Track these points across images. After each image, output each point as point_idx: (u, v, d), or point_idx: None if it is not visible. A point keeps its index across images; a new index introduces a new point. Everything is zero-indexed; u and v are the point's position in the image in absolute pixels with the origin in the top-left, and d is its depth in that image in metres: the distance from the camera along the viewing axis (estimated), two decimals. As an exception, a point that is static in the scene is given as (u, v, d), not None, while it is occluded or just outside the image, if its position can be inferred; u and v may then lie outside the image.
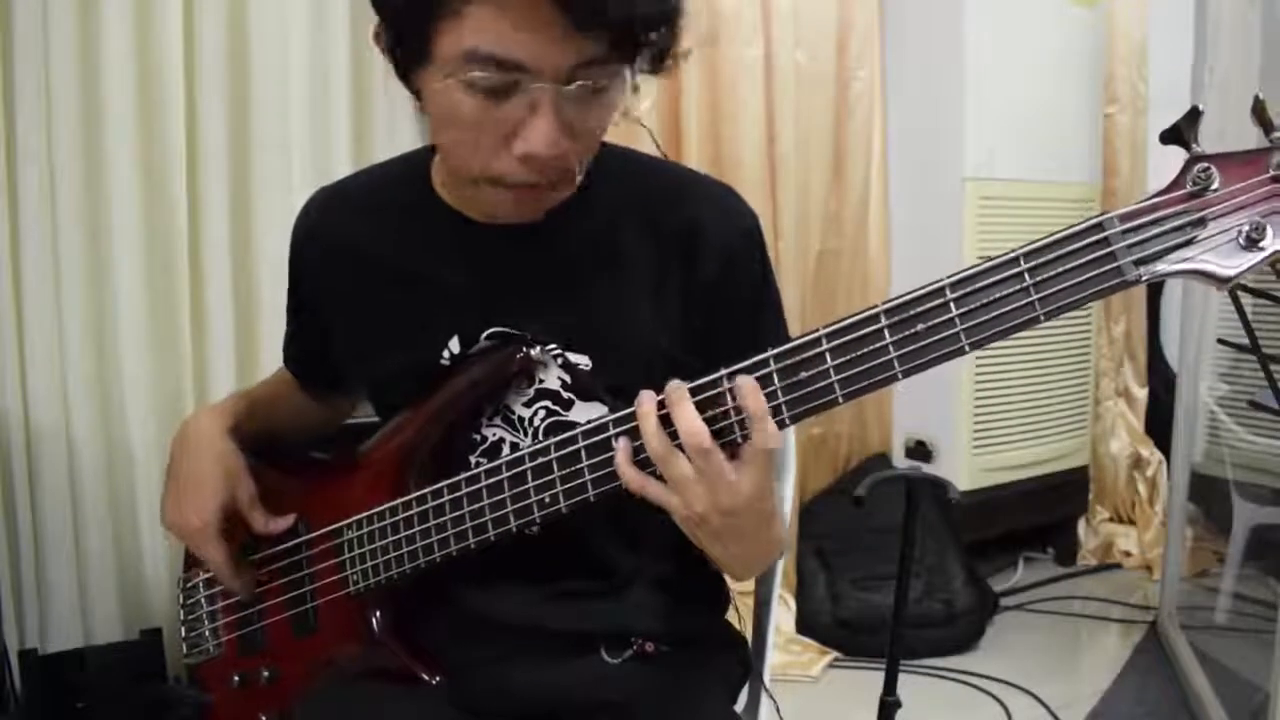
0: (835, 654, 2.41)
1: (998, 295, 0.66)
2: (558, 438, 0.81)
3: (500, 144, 0.78)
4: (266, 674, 1.01)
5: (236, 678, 1.03)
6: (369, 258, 0.96)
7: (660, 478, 0.76)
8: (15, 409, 1.75)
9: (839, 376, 0.70)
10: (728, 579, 1.05)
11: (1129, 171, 3.15)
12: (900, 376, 0.69)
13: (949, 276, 0.68)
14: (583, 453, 0.80)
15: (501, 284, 0.91)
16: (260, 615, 1.02)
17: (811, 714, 2.20)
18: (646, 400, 0.75)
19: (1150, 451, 3.17)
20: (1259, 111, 0.63)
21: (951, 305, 0.67)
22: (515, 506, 0.83)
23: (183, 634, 1.09)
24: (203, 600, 1.08)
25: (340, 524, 0.95)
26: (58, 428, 1.79)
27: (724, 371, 0.74)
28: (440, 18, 0.74)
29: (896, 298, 0.69)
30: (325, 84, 2.03)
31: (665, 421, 0.74)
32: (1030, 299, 0.66)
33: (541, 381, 0.90)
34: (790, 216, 2.64)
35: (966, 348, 0.67)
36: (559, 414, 0.90)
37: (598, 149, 0.86)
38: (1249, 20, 2.22)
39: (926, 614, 2.43)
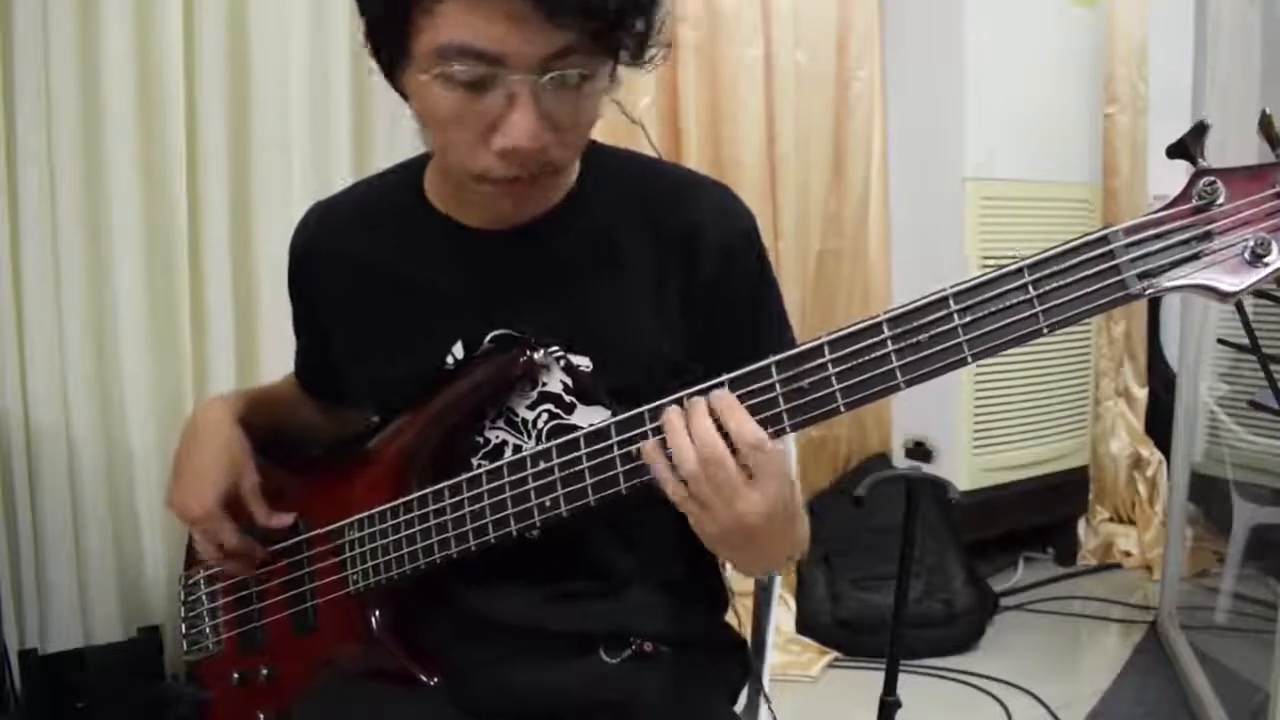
0: (835, 654, 2.41)
1: (1001, 306, 0.66)
2: (559, 440, 0.81)
3: (481, 139, 0.78)
4: (266, 672, 1.01)
5: (236, 675, 1.03)
6: (367, 268, 0.96)
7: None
8: (15, 409, 1.75)
9: (841, 385, 0.70)
10: (727, 579, 1.05)
11: (1129, 172, 3.15)
12: (903, 386, 0.69)
13: (952, 286, 0.68)
14: (584, 457, 0.79)
15: (500, 288, 0.91)
16: (260, 613, 1.03)
17: (811, 714, 2.20)
18: (674, 416, 0.74)
19: (1150, 451, 3.17)
20: (1266, 126, 0.63)
21: (955, 315, 0.67)
22: (515, 509, 0.84)
23: (183, 631, 1.10)
24: (203, 597, 1.08)
25: (341, 523, 0.95)
26: (58, 428, 1.79)
27: (726, 378, 0.74)
28: (415, 16, 0.74)
29: (899, 307, 0.69)
30: (325, 84, 2.03)
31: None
32: (1034, 310, 0.66)
33: (544, 384, 0.90)
34: (790, 217, 2.64)
35: (969, 358, 0.68)
36: (561, 417, 0.90)
37: (585, 144, 0.86)
38: (1249, 21, 2.22)
39: (926, 614, 2.43)
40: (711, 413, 0.72)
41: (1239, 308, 1.84)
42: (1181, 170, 0.66)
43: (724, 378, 0.74)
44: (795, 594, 2.52)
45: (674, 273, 0.89)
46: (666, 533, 0.98)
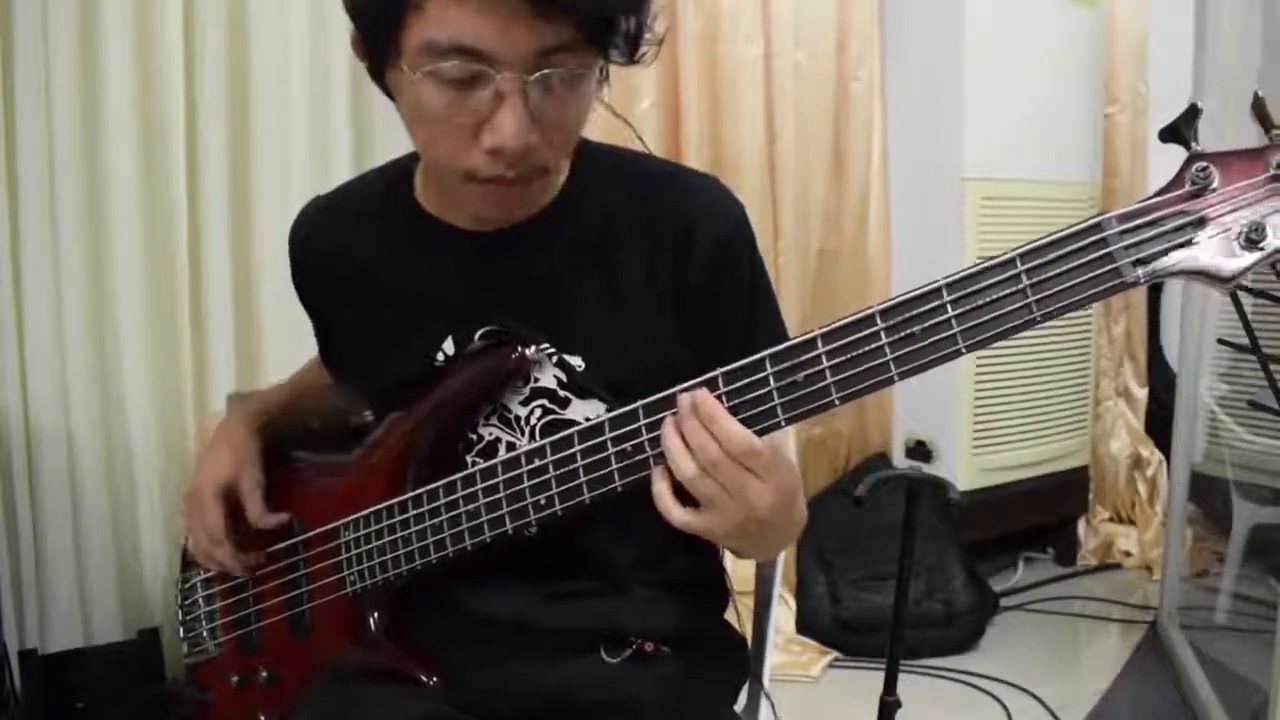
0: (835, 654, 2.41)
1: (995, 296, 0.66)
2: (553, 438, 0.81)
3: (469, 138, 0.78)
4: (265, 674, 1.01)
5: (235, 678, 1.03)
6: (359, 266, 0.97)
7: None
8: (15, 409, 1.75)
9: (835, 378, 0.70)
10: (728, 580, 1.05)
11: (1129, 171, 3.15)
12: (897, 378, 0.69)
13: (945, 277, 0.67)
14: (579, 454, 0.79)
15: (491, 288, 0.91)
16: (258, 615, 1.03)
17: (811, 714, 2.20)
18: (669, 423, 0.74)
19: (1150, 451, 3.17)
20: (1259, 109, 0.63)
21: (948, 306, 0.67)
22: (511, 508, 0.83)
23: (181, 634, 1.10)
24: (200, 600, 1.08)
25: (337, 524, 0.95)
26: (58, 428, 1.79)
27: (719, 372, 0.73)
28: (404, 13, 0.74)
29: (892, 299, 0.68)
30: (325, 84, 2.03)
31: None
32: (1027, 300, 0.65)
33: (537, 380, 0.90)
34: (790, 216, 2.64)
35: (964, 349, 0.67)
36: (555, 412, 0.90)
37: (573, 146, 0.86)
38: (1249, 20, 2.22)
39: (926, 614, 2.42)
40: (700, 422, 0.72)
41: (1239, 308, 1.83)
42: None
43: (716, 372, 0.73)
44: (795, 594, 2.52)
45: (667, 269, 0.89)
46: (666, 532, 0.97)
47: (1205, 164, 0.63)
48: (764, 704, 1.08)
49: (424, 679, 0.92)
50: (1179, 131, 0.65)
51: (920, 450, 2.79)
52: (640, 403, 0.76)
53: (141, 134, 1.83)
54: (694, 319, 0.90)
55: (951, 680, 2.30)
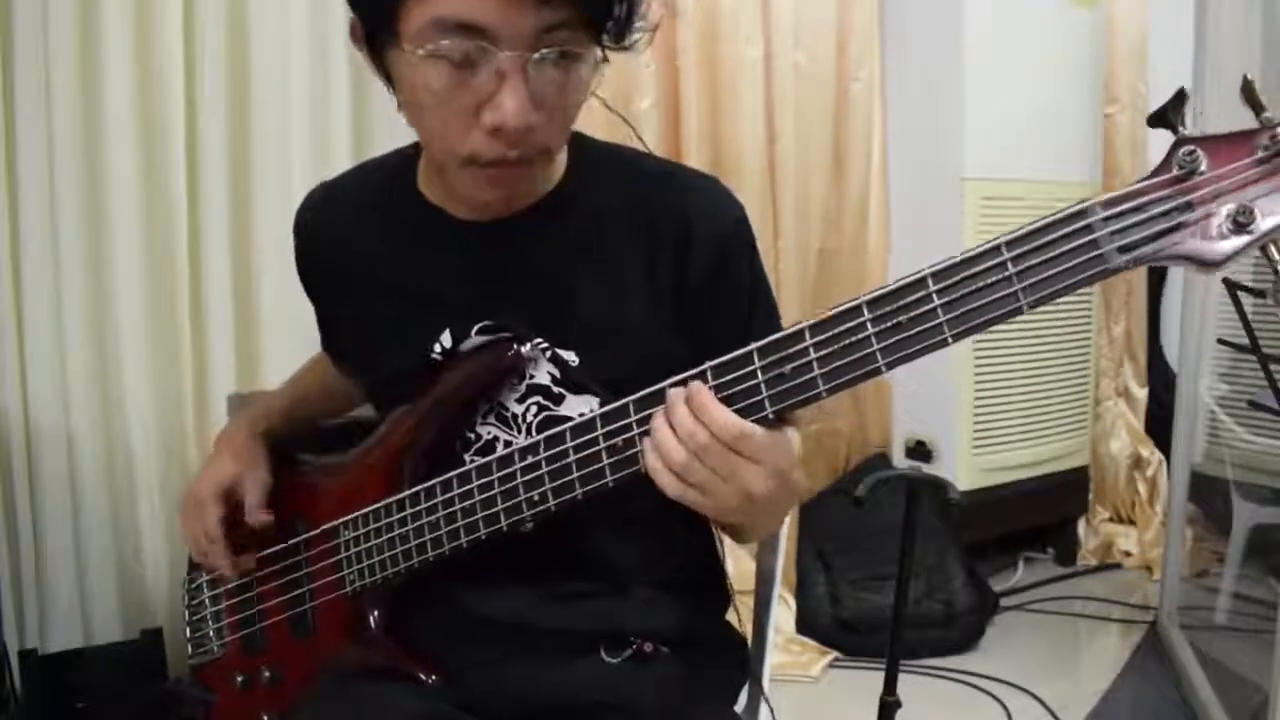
0: (835, 654, 2.41)
1: (980, 285, 0.66)
2: (546, 434, 0.81)
3: (471, 119, 0.78)
4: (268, 674, 1.02)
5: (240, 678, 1.04)
6: (359, 255, 0.97)
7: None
8: (15, 408, 1.75)
9: (822, 370, 0.70)
10: (729, 581, 1.05)
11: (1129, 171, 3.15)
12: (884, 369, 0.69)
13: (930, 267, 0.67)
14: (570, 450, 0.80)
15: (488, 281, 0.91)
16: (261, 616, 1.03)
17: (811, 714, 2.20)
18: (659, 414, 0.74)
19: (1150, 451, 3.17)
20: (1248, 92, 0.62)
21: (934, 296, 0.66)
22: (505, 505, 0.84)
23: (187, 635, 1.10)
24: (206, 601, 1.08)
25: (336, 523, 0.96)
26: (58, 427, 1.79)
27: (708, 365, 0.74)
28: None
29: (879, 289, 0.68)
30: (325, 84, 2.03)
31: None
32: (1013, 288, 0.65)
33: (532, 377, 0.90)
34: (790, 216, 2.64)
35: (950, 338, 0.67)
36: (550, 409, 0.90)
37: (570, 130, 0.86)
38: (1249, 20, 2.22)
39: (926, 614, 2.42)
40: (690, 411, 0.72)
41: (1238, 308, 1.84)
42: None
43: (705, 366, 0.73)
44: (795, 594, 2.52)
45: (665, 267, 0.89)
46: (667, 532, 0.98)
47: (1192, 148, 0.62)
48: (764, 704, 1.08)
49: (424, 677, 0.92)
50: (1166, 116, 0.64)
51: (920, 450, 2.79)
52: (631, 398, 0.77)
53: (141, 134, 1.83)
54: (692, 318, 0.90)
55: (951, 680, 2.30)
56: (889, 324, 0.67)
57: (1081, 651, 2.60)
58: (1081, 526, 3.10)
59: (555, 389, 0.90)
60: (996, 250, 0.65)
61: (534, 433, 0.89)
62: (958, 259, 0.66)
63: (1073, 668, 2.50)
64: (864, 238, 2.81)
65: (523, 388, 0.90)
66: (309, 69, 2.01)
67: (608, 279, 0.90)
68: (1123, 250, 0.63)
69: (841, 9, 2.72)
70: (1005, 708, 2.15)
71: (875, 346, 0.68)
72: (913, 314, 0.67)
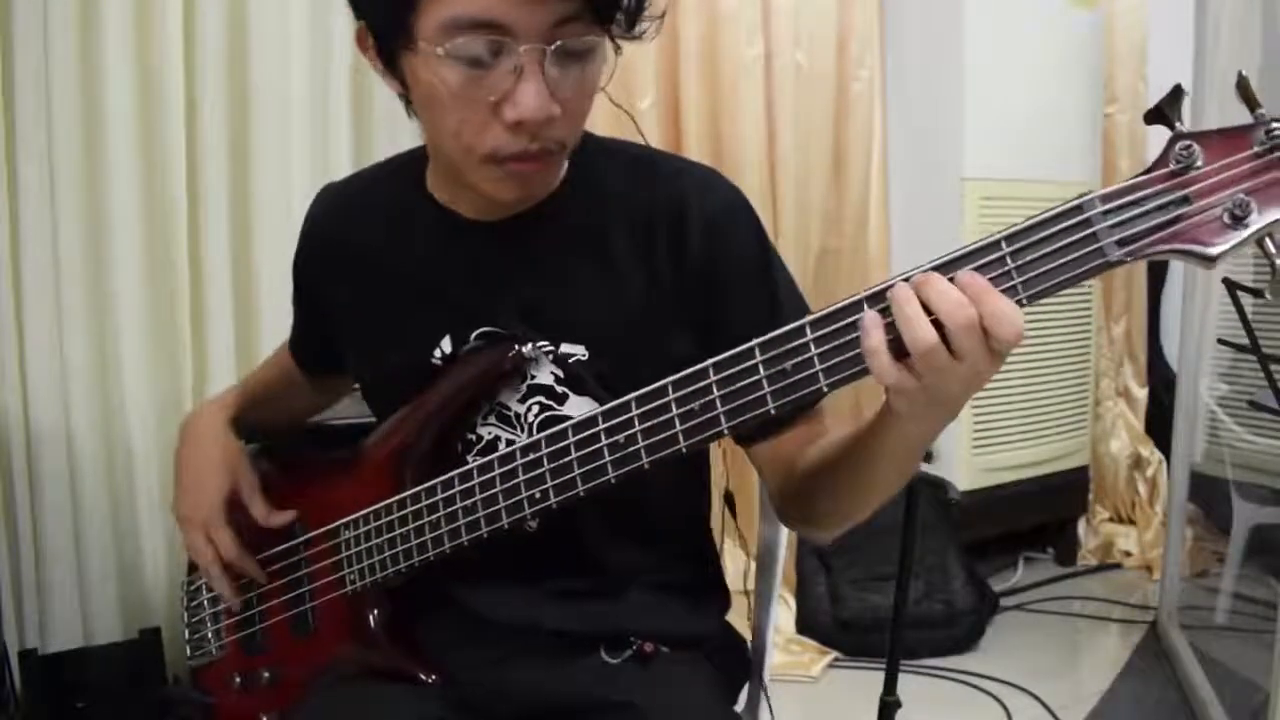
0: (835, 654, 2.41)
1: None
2: (548, 432, 0.81)
3: (490, 117, 0.79)
4: (268, 675, 1.02)
5: (238, 679, 1.04)
6: (365, 257, 0.97)
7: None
8: (15, 409, 1.75)
9: (823, 365, 0.69)
10: (730, 581, 1.05)
11: (1129, 171, 3.09)
12: None
13: (930, 262, 0.67)
14: (572, 447, 0.80)
15: (492, 281, 0.91)
16: (261, 616, 1.03)
17: (811, 714, 2.20)
18: (901, 288, 0.66)
19: (1150, 451, 3.17)
20: (1243, 88, 0.62)
21: None
22: (507, 503, 0.84)
23: (186, 636, 1.10)
24: (205, 602, 1.08)
25: (337, 523, 0.96)
26: (58, 427, 1.79)
27: (709, 362, 0.73)
28: None
29: (874, 286, 0.68)
30: (325, 84, 2.03)
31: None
32: (1012, 282, 0.65)
33: (534, 377, 0.90)
34: (790, 216, 2.64)
35: None
36: (553, 408, 0.90)
37: (583, 124, 0.86)
38: (1249, 21, 2.22)
39: (926, 614, 2.42)
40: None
41: (1238, 308, 1.83)
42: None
43: (707, 362, 0.73)
44: (795, 594, 2.52)
45: (664, 256, 0.89)
46: (667, 532, 0.98)
47: (1189, 143, 0.62)
48: (764, 704, 1.08)
49: (425, 677, 0.92)
50: (1163, 112, 0.65)
51: (920, 450, 2.79)
52: (632, 395, 0.76)
53: (141, 134, 1.83)
54: (696, 307, 0.89)
55: (951, 680, 2.30)
56: (890, 319, 0.67)
57: (1081, 651, 2.60)
58: (1081, 526, 3.10)
59: (559, 389, 0.90)
60: (996, 244, 0.65)
61: (535, 432, 0.89)
62: (957, 253, 0.66)
63: (1073, 668, 2.50)
64: (864, 238, 2.81)
65: (524, 388, 0.90)
66: (309, 69, 2.01)
67: (610, 272, 0.90)
68: (1121, 243, 0.63)
69: (841, 9, 2.72)
70: (1005, 708, 2.15)
71: None
72: None
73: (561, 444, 0.80)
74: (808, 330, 0.70)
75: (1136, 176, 0.64)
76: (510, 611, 0.93)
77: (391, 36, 0.80)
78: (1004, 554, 2.98)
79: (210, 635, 1.07)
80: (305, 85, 2.00)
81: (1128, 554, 3.04)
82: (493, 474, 0.84)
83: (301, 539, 0.99)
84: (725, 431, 0.73)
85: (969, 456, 2.72)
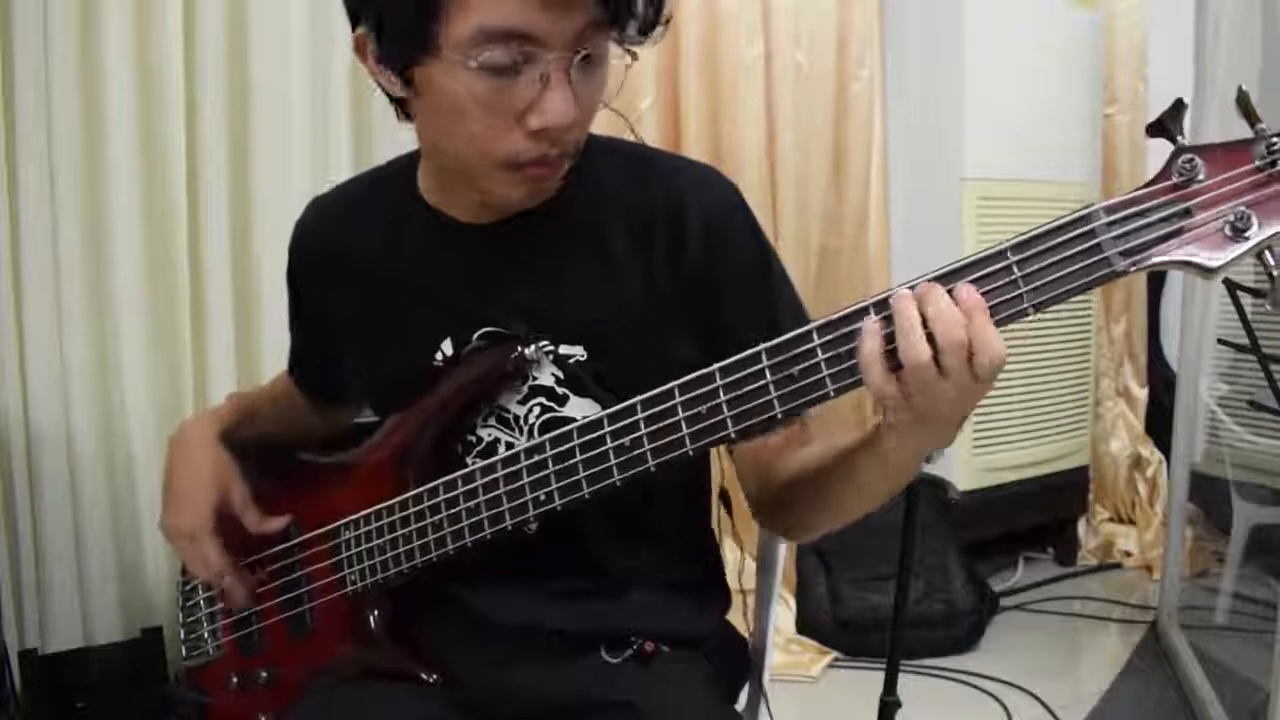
0: (835, 654, 2.41)
1: (986, 289, 0.66)
2: (552, 434, 0.81)
3: (512, 124, 0.79)
4: (265, 675, 1.01)
5: (235, 679, 1.03)
6: (361, 265, 0.97)
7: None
8: (15, 409, 1.75)
9: (830, 370, 0.70)
10: (728, 580, 1.05)
11: (1129, 171, 3.15)
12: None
13: (936, 270, 0.67)
14: (577, 450, 0.79)
15: (490, 283, 0.91)
16: (258, 617, 1.03)
17: (811, 714, 2.20)
18: (906, 296, 0.67)
19: (1150, 451, 3.17)
20: (1243, 103, 0.64)
21: None
22: (511, 505, 0.83)
23: (182, 636, 1.10)
24: (201, 602, 1.08)
25: (337, 524, 0.95)
26: (58, 427, 1.79)
27: (715, 367, 0.73)
28: (446, 4, 0.75)
29: (884, 292, 0.68)
30: (325, 84, 2.04)
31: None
32: (1019, 291, 0.66)
33: (535, 378, 0.90)
34: (790, 216, 2.64)
35: None
36: (554, 409, 0.90)
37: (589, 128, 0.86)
38: (1249, 22, 2.22)
39: (926, 614, 2.42)
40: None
41: (1238, 308, 1.84)
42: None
43: (714, 367, 0.73)
44: (795, 594, 2.52)
45: (663, 255, 0.89)
46: (668, 532, 0.98)
47: (1191, 156, 0.64)
48: (764, 704, 1.08)
49: (425, 678, 0.92)
50: (1165, 126, 0.66)
51: (920, 450, 2.79)
52: (638, 398, 0.76)
53: (141, 134, 1.83)
54: (701, 304, 0.89)
55: (951, 680, 2.30)
56: (891, 329, 0.67)
57: (1081, 651, 2.60)
58: (1081, 526, 3.10)
59: (560, 390, 0.90)
60: (1002, 254, 0.66)
61: (536, 434, 0.89)
62: (963, 263, 0.67)
63: (1073, 668, 2.50)
64: (864, 238, 2.81)
65: (525, 389, 0.90)
66: (309, 69, 2.01)
67: (608, 272, 0.90)
68: (1125, 254, 0.64)
69: (841, 9, 2.72)
70: (1005, 708, 2.15)
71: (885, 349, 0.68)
72: None
73: (566, 446, 0.80)
74: (814, 336, 0.70)
75: (1140, 189, 0.65)
76: (512, 612, 0.93)
77: (412, 44, 0.79)
78: (1004, 554, 2.98)
79: (206, 635, 1.07)
80: (305, 85, 2.01)
81: (1128, 554, 3.05)
82: (496, 475, 0.84)
83: (300, 539, 0.99)
84: (733, 436, 0.74)
85: (969, 456, 2.72)
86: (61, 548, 1.80)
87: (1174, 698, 2.18)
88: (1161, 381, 3.17)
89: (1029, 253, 0.65)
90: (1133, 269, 0.64)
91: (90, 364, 1.82)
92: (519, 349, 0.88)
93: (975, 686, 2.26)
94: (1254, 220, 0.62)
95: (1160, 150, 0.65)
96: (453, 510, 0.87)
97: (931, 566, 2.49)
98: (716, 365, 0.73)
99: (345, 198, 1.03)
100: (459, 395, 0.90)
